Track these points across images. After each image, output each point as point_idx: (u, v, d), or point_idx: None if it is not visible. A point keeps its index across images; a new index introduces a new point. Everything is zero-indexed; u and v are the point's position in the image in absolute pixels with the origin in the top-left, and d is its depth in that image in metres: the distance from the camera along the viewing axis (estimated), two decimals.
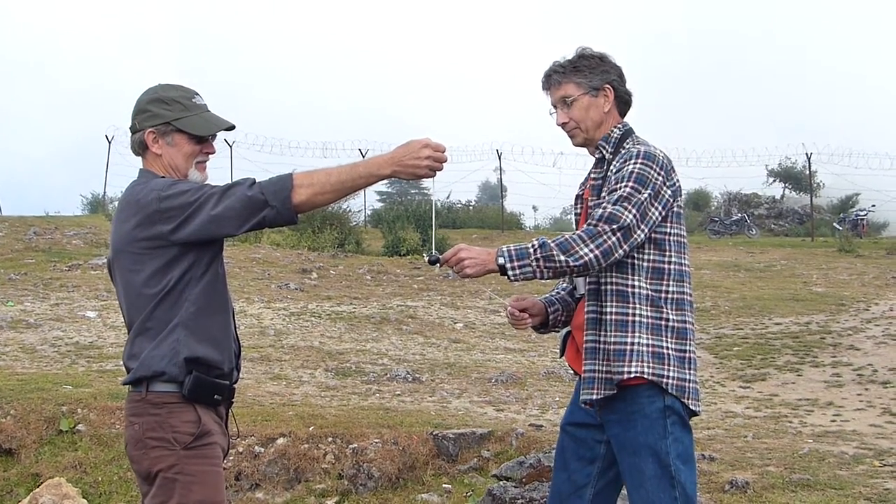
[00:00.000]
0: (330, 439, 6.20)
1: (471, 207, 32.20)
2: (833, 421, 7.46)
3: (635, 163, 3.09)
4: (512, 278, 3.01)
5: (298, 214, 2.86)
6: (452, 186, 29.78)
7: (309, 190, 2.83)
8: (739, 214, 29.75)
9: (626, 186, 3.04)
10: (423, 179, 2.97)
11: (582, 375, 3.16)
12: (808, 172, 29.93)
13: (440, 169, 2.88)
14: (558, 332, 3.48)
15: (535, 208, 34.19)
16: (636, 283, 3.09)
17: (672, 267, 3.13)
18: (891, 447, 6.35)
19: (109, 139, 26.96)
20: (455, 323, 12.31)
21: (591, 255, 2.97)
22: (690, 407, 3.11)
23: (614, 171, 3.14)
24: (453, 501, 5.59)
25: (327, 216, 20.93)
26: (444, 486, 5.83)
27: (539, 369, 9.36)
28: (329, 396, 7.73)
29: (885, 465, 5.83)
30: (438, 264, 3.04)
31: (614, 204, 3.02)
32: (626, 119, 3.32)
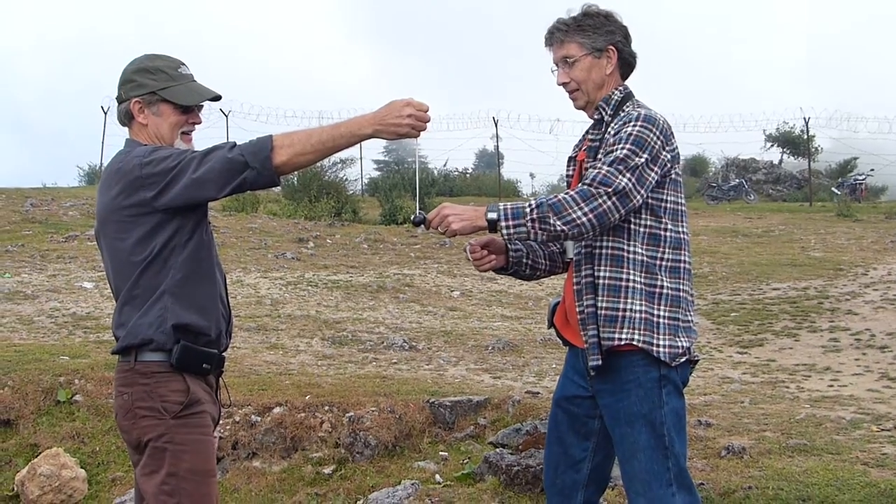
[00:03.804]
0: (327, 408, 6.20)
1: (468, 175, 32.17)
2: (830, 386, 7.46)
3: (634, 125, 2.98)
4: (505, 236, 2.90)
5: (280, 176, 2.83)
6: (449, 154, 29.74)
7: (289, 150, 2.80)
8: (737, 180, 29.73)
9: (622, 148, 2.92)
10: (407, 139, 2.93)
11: (585, 343, 3.04)
12: (806, 137, 29.84)
13: (423, 129, 2.84)
14: (521, 275, 3.34)
15: (532, 175, 34.24)
16: (631, 248, 2.99)
17: (668, 234, 3.04)
18: (888, 412, 6.35)
19: (105, 110, 26.87)
20: (452, 291, 12.31)
21: (585, 219, 2.85)
22: (691, 360, 3.05)
23: (612, 133, 3.04)
24: (450, 469, 5.59)
25: (324, 185, 20.88)
26: (440, 453, 5.83)
27: (536, 336, 9.35)
28: (326, 365, 7.72)
29: (882, 429, 5.83)
30: (424, 224, 2.98)
31: (609, 165, 2.90)
32: (627, 82, 3.21)
